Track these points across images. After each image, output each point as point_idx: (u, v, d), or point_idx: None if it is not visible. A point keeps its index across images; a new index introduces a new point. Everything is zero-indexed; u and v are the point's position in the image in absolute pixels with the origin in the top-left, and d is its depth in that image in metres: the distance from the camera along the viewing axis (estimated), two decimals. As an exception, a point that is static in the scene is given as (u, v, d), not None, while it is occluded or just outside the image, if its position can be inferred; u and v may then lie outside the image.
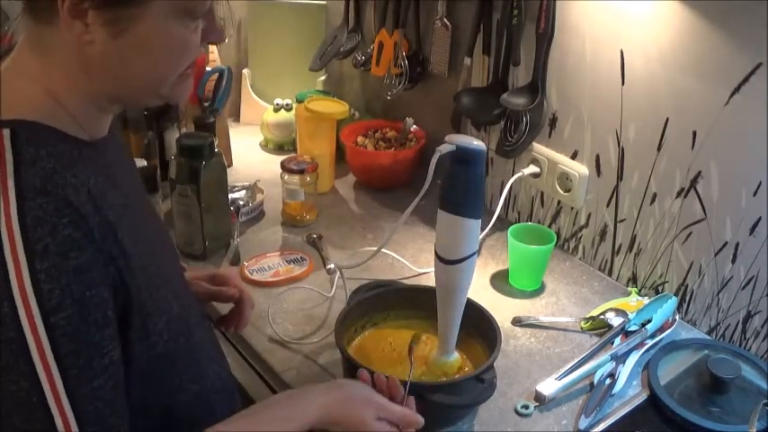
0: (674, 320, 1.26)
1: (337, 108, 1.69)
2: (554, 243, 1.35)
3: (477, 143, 0.97)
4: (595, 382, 1.13)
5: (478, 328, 1.14)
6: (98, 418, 0.71)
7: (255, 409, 0.88)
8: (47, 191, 0.69)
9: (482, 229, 1.07)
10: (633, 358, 1.18)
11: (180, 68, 0.79)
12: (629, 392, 1.14)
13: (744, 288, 1.21)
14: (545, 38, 1.37)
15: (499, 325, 1.12)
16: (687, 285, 1.30)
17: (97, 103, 0.79)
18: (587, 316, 1.29)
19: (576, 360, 1.16)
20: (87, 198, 0.71)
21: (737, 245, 1.20)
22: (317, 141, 1.66)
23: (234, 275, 1.17)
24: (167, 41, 0.76)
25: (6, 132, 0.71)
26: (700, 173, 1.22)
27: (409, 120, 1.71)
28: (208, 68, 1.70)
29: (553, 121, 1.45)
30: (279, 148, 1.91)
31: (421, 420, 0.94)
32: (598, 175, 1.39)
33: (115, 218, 0.73)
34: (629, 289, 1.38)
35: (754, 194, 1.16)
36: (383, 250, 1.29)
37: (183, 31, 0.76)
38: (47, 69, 0.75)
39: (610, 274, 1.43)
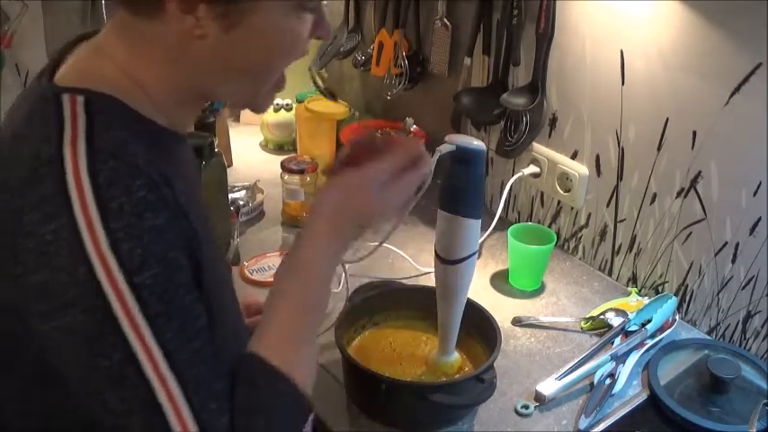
0: (674, 320, 1.26)
1: (337, 108, 1.69)
2: (554, 243, 1.35)
3: (477, 143, 0.97)
4: (595, 382, 1.13)
5: (478, 328, 1.14)
6: (204, 383, 0.65)
7: (278, 294, 0.78)
8: (119, 155, 0.65)
9: (482, 229, 1.07)
10: (633, 358, 1.18)
11: (288, 63, 0.77)
12: (629, 392, 1.14)
13: (744, 288, 1.21)
14: (545, 38, 1.37)
15: (499, 325, 1.12)
16: (687, 285, 1.30)
17: (186, 99, 0.77)
18: (587, 316, 1.29)
19: (576, 360, 1.16)
20: (158, 175, 0.67)
21: (737, 245, 1.20)
22: (317, 141, 1.66)
23: (260, 302, 1.17)
24: (280, 35, 0.73)
25: (80, 99, 0.68)
26: (700, 173, 1.22)
27: (409, 120, 1.71)
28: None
29: (553, 121, 1.45)
30: (279, 148, 1.91)
31: (419, 143, 0.85)
32: (598, 175, 1.39)
33: (185, 203, 0.69)
34: (629, 289, 1.38)
35: (754, 194, 1.16)
36: (384, 245, 1.29)
37: (295, 25, 0.74)
38: (134, 58, 0.73)
39: (610, 274, 1.43)
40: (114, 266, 0.62)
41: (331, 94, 1.78)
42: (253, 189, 1.62)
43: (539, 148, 1.49)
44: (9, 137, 0.71)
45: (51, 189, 0.63)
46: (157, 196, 0.66)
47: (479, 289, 1.36)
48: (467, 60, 1.54)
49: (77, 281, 0.62)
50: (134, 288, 0.62)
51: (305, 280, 0.78)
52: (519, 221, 1.57)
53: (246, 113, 2.04)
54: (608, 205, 1.39)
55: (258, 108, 0.82)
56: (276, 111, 1.89)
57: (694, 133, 1.21)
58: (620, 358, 1.17)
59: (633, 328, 1.23)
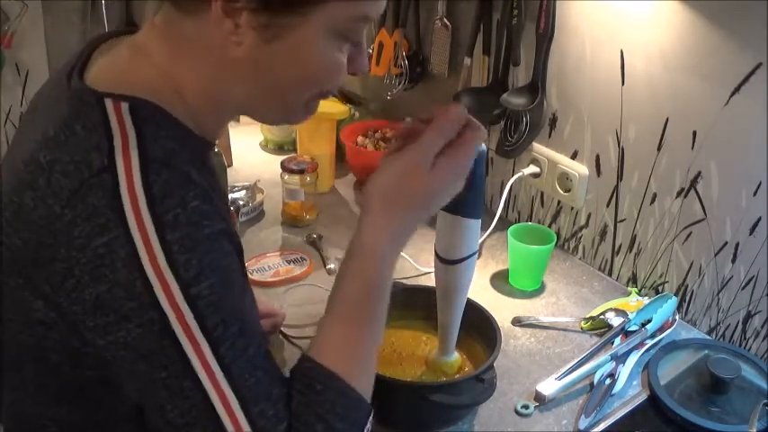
0: (674, 320, 1.26)
1: (337, 108, 1.69)
2: (554, 243, 1.35)
3: (477, 143, 0.97)
4: (595, 382, 1.13)
5: (478, 328, 1.14)
6: (261, 391, 0.65)
7: (338, 300, 0.77)
8: (171, 164, 0.64)
9: (482, 229, 1.07)
10: (633, 358, 1.18)
11: (324, 87, 0.76)
12: (629, 392, 1.14)
13: (744, 288, 1.21)
14: (545, 38, 1.37)
15: (499, 325, 1.12)
16: (687, 285, 1.30)
17: (219, 106, 0.75)
18: (587, 316, 1.29)
19: (576, 360, 1.16)
20: (207, 184, 0.67)
21: (737, 245, 1.20)
22: (317, 141, 1.66)
23: (260, 304, 1.18)
24: (321, 57, 0.72)
25: (125, 106, 0.67)
26: (700, 173, 1.22)
27: (409, 120, 1.71)
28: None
29: (553, 121, 1.45)
30: (279, 148, 1.91)
31: (457, 107, 0.81)
32: (598, 175, 1.39)
33: (220, 211, 0.69)
34: (629, 289, 1.38)
35: (754, 194, 1.16)
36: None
37: (334, 53, 0.73)
38: (175, 59, 0.72)
39: (610, 274, 1.43)
40: (171, 279, 0.62)
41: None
42: (253, 189, 1.62)
43: (539, 148, 1.49)
44: (42, 139, 0.68)
45: (104, 201, 0.62)
46: (210, 205, 0.65)
47: (479, 289, 1.36)
48: (467, 60, 1.54)
49: (134, 295, 0.62)
50: (191, 300, 0.62)
51: (363, 273, 0.78)
52: (519, 221, 1.57)
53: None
54: (608, 205, 1.39)
55: (293, 122, 0.82)
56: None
57: (694, 133, 1.21)
58: (620, 358, 1.17)
59: (633, 328, 1.23)
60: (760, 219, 1.16)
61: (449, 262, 1.02)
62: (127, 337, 0.63)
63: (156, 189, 0.62)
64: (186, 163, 0.66)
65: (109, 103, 0.67)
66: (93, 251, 0.62)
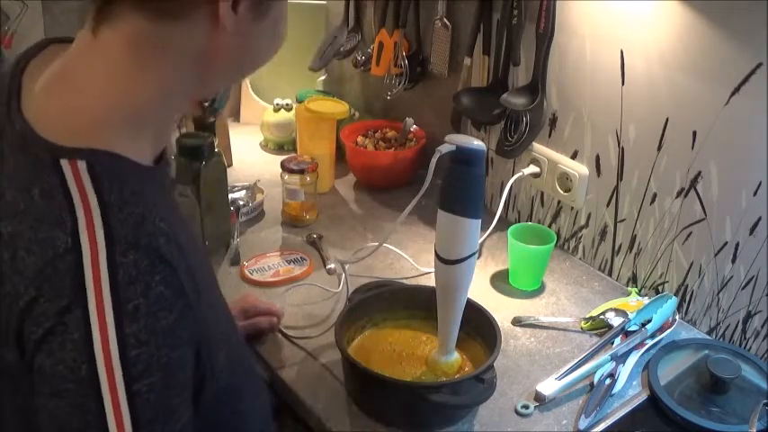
0: (674, 320, 1.26)
1: (337, 108, 1.69)
2: (554, 243, 1.35)
3: (477, 143, 0.98)
4: (595, 382, 1.13)
5: (478, 328, 1.14)
6: None
7: None
8: (139, 244, 0.62)
9: (482, 229, 1.07)
10: (633, 358, 1.18)
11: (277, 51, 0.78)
12: (629, 392, 1.14)
13: (744, 288, 1.21)
14: (545, 38, 1.37)
15: (499, 325, 1.12)
16: (687, 285, 1.30)
17: (180, 103, 0.75)
18: (587, 316, 1.29)
19: (576, 360, 1.16)
20: (175, 245, 0.65)
21: (737, 245, 1.20)
22: (317, 141, 1.66)
23: (259, 302, 1.19)
24: (283, 23, 0.75)
25: (82, 165, 0.63)
26: (700, 173, 1.22)
27: (409, 120, 1.71)
28: (208, 68, 1.70)
29: (553, 121, 1.45)
30: (279, 148, 1.91)
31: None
32: (598, 175, 1.39)
33: (192, 257, 0.68)
34: (629, 289, 1.38)
35: (754, 194, 1.16)
36: (384, 246, 1.29)
37: (285, 12, 0.76)
38: (140, 70, 0.68)
39: (610, 274, 1.43)
40: (118, 373, 0.61)
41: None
42: (253, 189, 1.62)
43: (539, 148, 1.49)
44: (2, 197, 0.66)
45: (68, 281, 0.61)
46: (174, 289, 0.64)
47: (479, 289, 1.36)
48: (467, 60, 1.54)
49: (77, 378, 0.61)
50: (130, 396, 0.61)
51: None
52: (519, 221, 1.57)
53: (246, 113, 2.04)
54: (608, 205, 1.39)
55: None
56: (276, 111, 1.89)
57: (694, 133, 1.21)
58: (620, 358, 1.17)
59: (633, 328, 1.23)
60: (760, 219, 1.16)
61: (449, 262, 1.03)
62: (57, 410, 0.62)
63: (121, 275, 0.61)
64: (157, 234, 0.64)
65: (65, 165, 0.63)
66: (49, 329, 0.61)
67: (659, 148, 1.27)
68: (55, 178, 0.63)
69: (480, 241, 1.42)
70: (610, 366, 1.15)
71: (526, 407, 1.09)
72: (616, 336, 1.22)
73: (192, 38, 0.68)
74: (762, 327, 1.20)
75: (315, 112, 1.64)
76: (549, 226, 1.51)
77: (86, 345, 0.60)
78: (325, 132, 1.67)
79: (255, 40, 0.72)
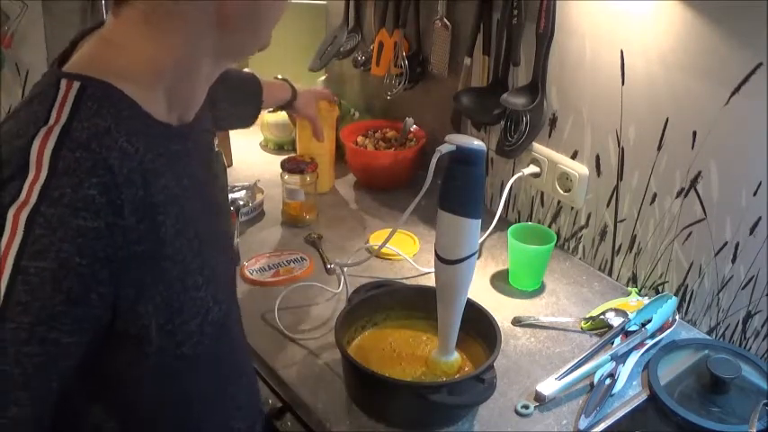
0: (674, 320, 1.26)
1: (335, 108, 1.69)
2: (554, 243, 1.35)
3: (477, 143, 0.97)
4: (595, 382, 1.13)
5: (478, 328, 1.14)
6: (6, 381, 0.65)
7: None
8: (90, 147, 0.66)
9: (482, 229, 1.07)
10: (633, 358, 1.18)
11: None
12: (629, 392, 1.14)
13: (744, 288, 1.21)
14: (545, 38, 1.37)
15: (499, 325, 1.12)
16: (687, 285, 1.30)
17: (206, 72, 0.79)
18: (587, 316, 1.29)
19: (576, 360, 1.16)
20: (137, 168, 0.69)
21: (737, 245, 1.20)
22: (317, 141, 1.66)
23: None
24: None
25: (76, 85, 0.70)
26: (700, 173, 1.22)
27: (409, 120, 1.72)
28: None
29: (553, 121, 1.45)
30: (279, 148, 1.91)
31: None
32: (598, 175, 1.39)
33: (163, 202, 0.71)
34: (629, 289, 1.38)
35: (754, 194, 1.16)
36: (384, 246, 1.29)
37: None
38: (161, 46, 0.74)
39: (610, 274, 1.43)
40: (16, 239, 0.64)
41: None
42: (253, 189, 1.62)
43: (539, 148, 1.49)
44: (10, 114, 0.73)
45: (17, 158, 0.66)
46: (109, 200, 0.66)
47: (479, 289, 1.36)
48: (467, 60, 1.54)
49: None
50: (17, 268, 0.64)
51: None
52: (519, 221, 1.57)
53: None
54: (608, 205, 1.39)
55: (266, 46, 0.84)
56: (276, 111, 1.89)
57: (694, 133, 1.21)
58: (620, 358, 1.17)
59: (633, 328, 1.23)
60: (760, 219, 1.16)
61: (449, 262, 1.03)
62: None
63: (61, 164, 0.65)
64: (115, 148, 0.68)
65: (63, 83, 0.70)
66: None
67: (659, 148, 1.27)
68: (51, 91, 0.70)
69: (480, 241, 1.42)
70: (610, 366, 1.15)
71: (526, 407, 1.09)
72: (616, 336, 1.22)
73: (205, 4, 0.72)
74: (762, 327, 1.20)
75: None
76: (549, 226, 1.51)
77: (3, 209, 0.64)
78: (325, 132, 1.67)
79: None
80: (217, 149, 1.42)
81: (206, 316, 0.80)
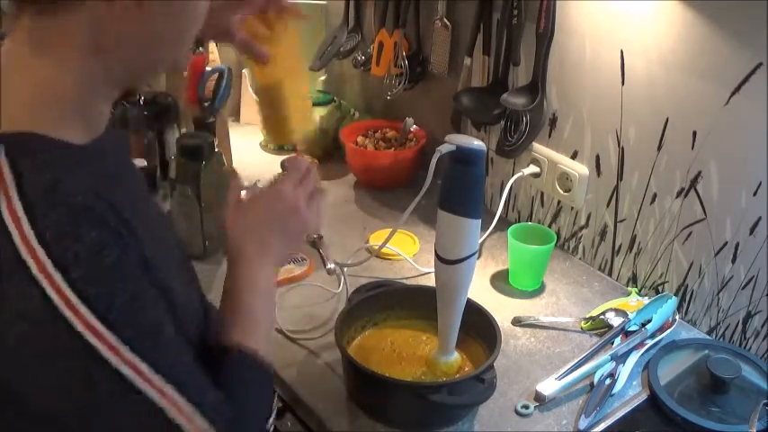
0: (674, 320, 1.26)
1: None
2: (554, 243, 1.35)
3: (477, 143, 0.98)
4: (595, 382, 1.13)
5: (478, 328, 1.14)
6: (193, 382, 0.71)
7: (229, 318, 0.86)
8: (55, 203, 0.66)
9: (482, 229, 1.07)
10: (633, 358, 1.18)
11: (199, 27, 0.78)
12: (629, 392, 1.14)
13: (744, 288, 1.21)
14: (545, 38, 1.37)
15: (499, 325, 1.12)
16: (687, 285, 1.30)
17: (105, 91, 0.77)
18: (587, 316, 1.29)
19: (576, 360, 1.16)
20: (98, 200, 0.68)
21: (737, 245, 1.20)
22: (268, 68, 1.09)
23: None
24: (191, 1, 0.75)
25: (1, 150, 0.67)
26: (700, 173, 1.22)
27: (409, 120, 1.71)
28: (208, 68, 1.70)
29: (553, 121, 1.45)
30: (279, 148, 1.91)
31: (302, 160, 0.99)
32: (598, 175, 1.39)
33: (130, 216, 0.71)
34: (629, 289, 1.38)
35: (754, 194, 1.16)
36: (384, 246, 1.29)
37: None
38: (53, 67, 0.72)
39: (610, 274, 1.43)
40: (86, 312, 0.64)
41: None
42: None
43: (539, 148, 1.49)
44: None
45: (8, 256, 0.64)
46: (107, 230, 0.67)
47: (479, 289, 1.36)
48: (467, 60, 1.54)
49: (57, 334, 0.64)
50: (109, 326, 0.65)
51: (254, 300, 0.87)
52: (519, 221, 1.57)
53: (246, 113, 2.04)
54: (608, 205, 1.39)
55: (183, 66, 0.83)
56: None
57: (694, 133, 1.21)
58: (620, 358, 1.17)
59: (633, 328, 1.23)
60: (760, 219, 1.16)
61: (449, 262, 1.03)
62: (59, 373, 0.66)
63: (48, 234, 0.64)
64: (76, 190, 0.67)
65: None
66: (11, 305, 0.64)
67: (659, 148, 1.27)
68: None
69: (480, 241, 1.42)
70: (610, 366, 1.15)
71: (526, 407, 1.09)
72: (616, 336, 1.22)
73: (82, 25, 0.70)
74: (762, 327, 1.20)
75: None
76: (549, 226, 1.51)
77: (49, 308, 0.64)
78: (281, 49, 1.10)
79: (148, 22, 0.72)
80: (217, 149, 1.42)
81: (175, 320, 0.80)
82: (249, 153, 1.89)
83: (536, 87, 1.41)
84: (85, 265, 0.65)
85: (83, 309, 0.64)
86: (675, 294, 1.30)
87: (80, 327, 0.64)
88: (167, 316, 0.72)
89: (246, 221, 0.92)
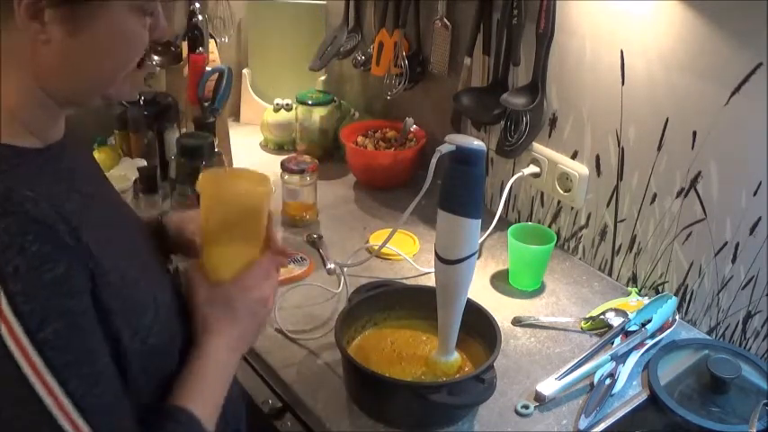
0: (674, 320, 1.26)
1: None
2: (554, 243, 1.35)
3: (477, 143, 0.98)
4: (595, 382, 1.13)
5: (478, 328, 1.14)
6: (110, 422, 0.71)
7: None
8: (6, 211, 0.67)
9: (482, 229, 1.07)
10: (633, 358, 1.18)
11: (132, 64, 0.79)
12: (629, 392, 1.14)
13: (744, 288, 1.21)
14: (545, 38, 1.37)
15: (499, 325, 1.12)
16: (687, 285, 1.30)
17: (47, 107, 0.78)
18: (587, 316, 1.29)
19: (576, 360, 1.16)
20: (50, 208, 0.69)
21: (737, 245, 1.20)
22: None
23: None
24: (124, 38, 0.76)
25: None
26: (700, 173, 1.22)
27: (409, 120, 1.72)
28: (208, 68, 1.70)
29: (553, 121, 1.45)
30: (279, 148, 1.91)
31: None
32: (598, 175, 1.39)
33: (80, 222, 0.72)
34: (629, 289, 1.38)
35: (754, 194, 1.16)
36: (384, 246, 1.29)
37: (138, 28, 0.77)
38: (3, 81, 0.74)
39: (610, 274, 1.43)
40: (17, 328, 0.66)
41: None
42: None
43: (539, 148, 1.49)
44: None
45: None
46: (54, 244, 0.68)
47: (479, 289, 1.36)
48: (467, 60, 1.54)
49: None
50: (36, 345, 0.66)
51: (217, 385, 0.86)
52: (519, 221, 1.57)
53: (246, 113, 2.04)
54: (608, 205, 1.39)
55: (119, 98, 0.83)
56: (276, 111, 1.89)
57: (694, 133, 1.21)
58: (620, 358, 1.17)
59: (633, 328, 1.23)
60: (760, 219, 1.16)
61: (449, 262, 1.03)
62: None
63: None
64: (25, 199, 0.68)
65: None
66: None
67: (659, 148, 1.27)
68: None
69: (480, 241, 1.42)
70: (610, 366, 1.15)
71: (526, 407, 1.09)
72: (616, 336, 1.22)
73: (24, 48, 0.73)
74: (762, 327, 1.20)
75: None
76: (549, 226, 1.51)
77: None
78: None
79: (77, 53, 0.74)
80: (217, 149, 1.42)
81: (156, 304, 0.81)
82: (249, 153, 1.89)
83: (536, 87, 1.41)
84: (24, 280, 0.66)
85: (15, 325, 0.66)
86: (675, 294, 1.30)
87: (9, 341, 0.65)
88: (103, 347, 0.72)
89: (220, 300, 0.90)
